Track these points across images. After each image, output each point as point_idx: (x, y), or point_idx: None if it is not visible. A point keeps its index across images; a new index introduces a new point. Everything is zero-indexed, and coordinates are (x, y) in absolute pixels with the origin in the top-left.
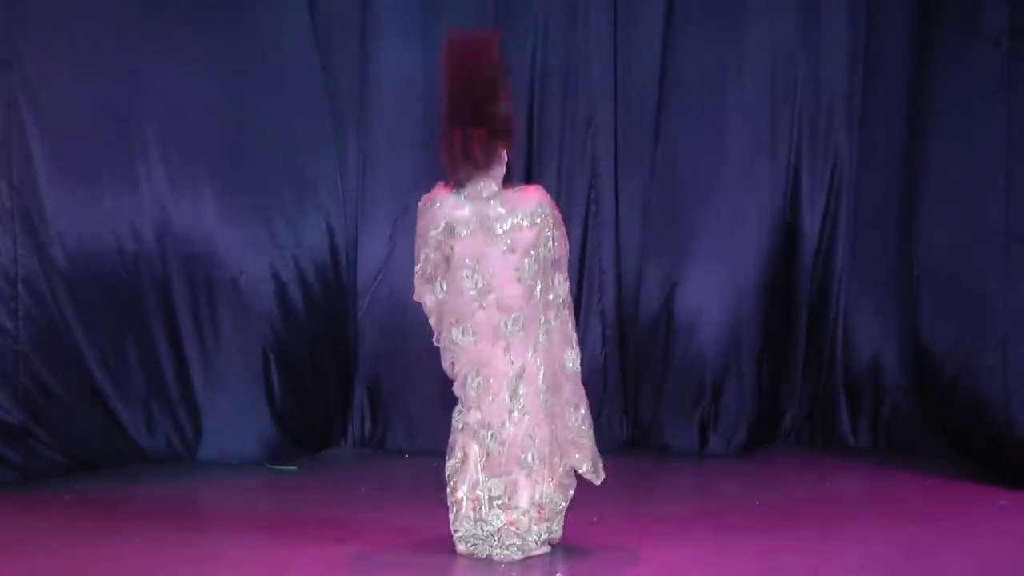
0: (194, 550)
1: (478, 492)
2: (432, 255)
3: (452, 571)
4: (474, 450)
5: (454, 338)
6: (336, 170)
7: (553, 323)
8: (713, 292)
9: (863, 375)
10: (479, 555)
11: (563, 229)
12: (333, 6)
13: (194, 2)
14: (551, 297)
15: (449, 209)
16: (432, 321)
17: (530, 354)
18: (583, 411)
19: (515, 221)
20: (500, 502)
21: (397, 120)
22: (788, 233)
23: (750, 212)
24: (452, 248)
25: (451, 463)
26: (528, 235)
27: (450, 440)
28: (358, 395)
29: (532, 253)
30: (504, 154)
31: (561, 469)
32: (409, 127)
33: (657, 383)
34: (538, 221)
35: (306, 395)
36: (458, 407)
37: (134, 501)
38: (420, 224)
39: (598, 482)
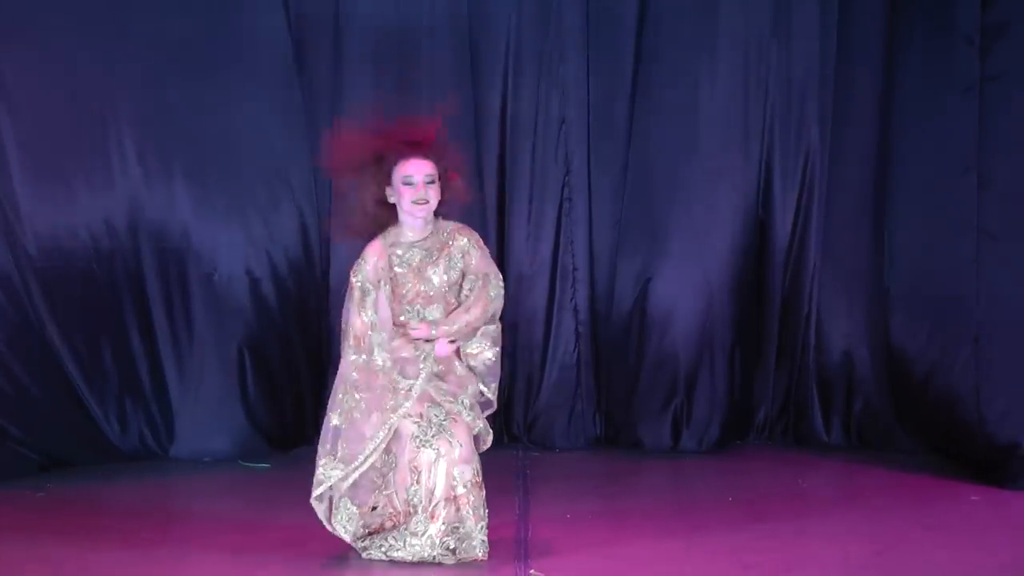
0: (166, 549)
1: None
2: None
3: (424, 570)
4: None
5: None
6: (309, 167)
7: None
8: (686, 288)
9: (836, 371)
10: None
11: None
12: (306, 4)
13: (167, 1)
14: None
15: None
16: None
17: None
18: None
19: None
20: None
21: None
22: (760, 229)
23: (723, 208)
24: None
25: None
26: None
27: None
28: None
29: None
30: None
31: None
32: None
33: (630, 380)
34: None
35: (279, 392)
36: None
37: (107, 499)
38: None
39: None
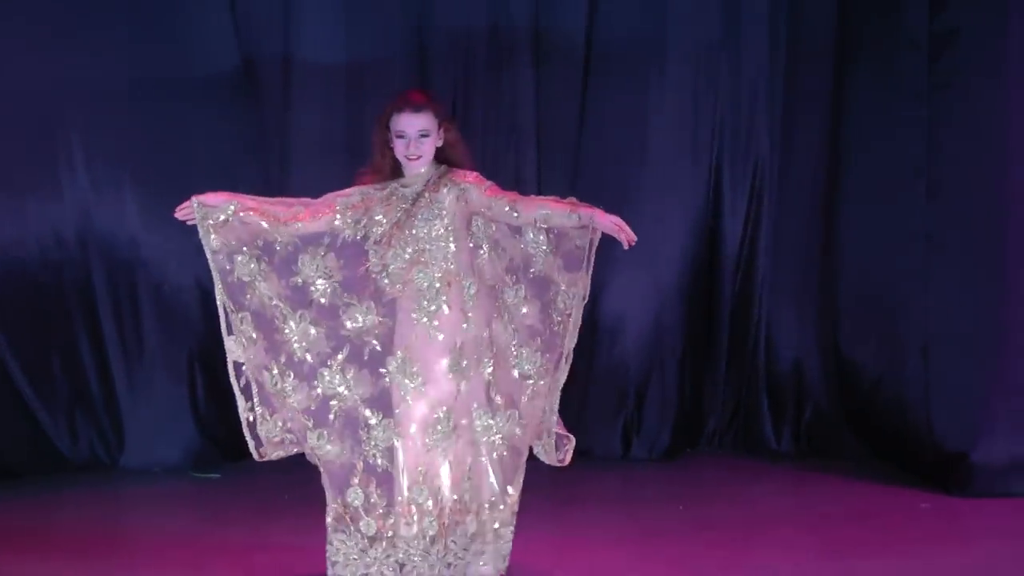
0: (117, 560)
1: None
2: None
3: None
4: None
5: None
6: (260, 175)
7: None
8: (637, 297)
9: (785, 379)
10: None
11: None
12: (254, 7)
13: (115, 7)
14: None
15: None
16: None
17: None
18: None
19: None
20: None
21: (320, 124)
22: (710, 237)
23: (672, 217)
24: None
25: None
26: None
27: None
28: None
29: None
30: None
31: None
32: (332, 132)
33: (580, 388)
34: None
35: (229, 402)
36: None
37: (56, 510)
38: None
39: None
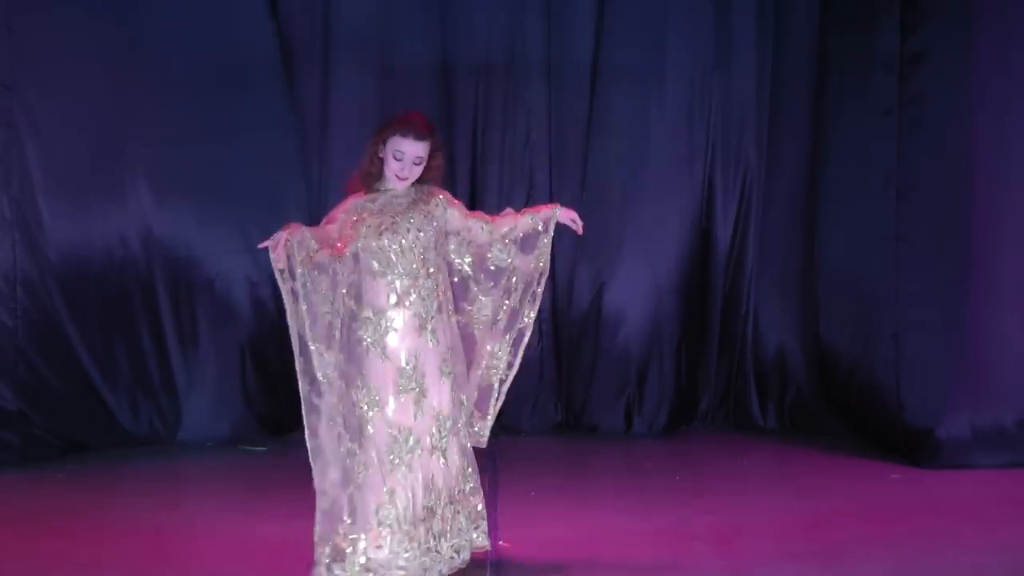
0: (173, 522)
1: None
2: None
3: None
4: None
5: None
6: (301, 182)
7: None
8: (637, 291)
9: (771, 364)
10: None
11: None
12: (297, 36)
13: (173, 33)
14: None
15: None
16: None
17: None
18: None
19: None
20: None
21: (354, 138)
22: (704, 237)
23: (670, 219)
24: None
25: None
26: None
27: None
28: None
29: None
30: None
31: None
32: (363, 144)
33: (587, 371)
34: None
35: (275, 383)
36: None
37: (120, 479)
38: None
39: None
